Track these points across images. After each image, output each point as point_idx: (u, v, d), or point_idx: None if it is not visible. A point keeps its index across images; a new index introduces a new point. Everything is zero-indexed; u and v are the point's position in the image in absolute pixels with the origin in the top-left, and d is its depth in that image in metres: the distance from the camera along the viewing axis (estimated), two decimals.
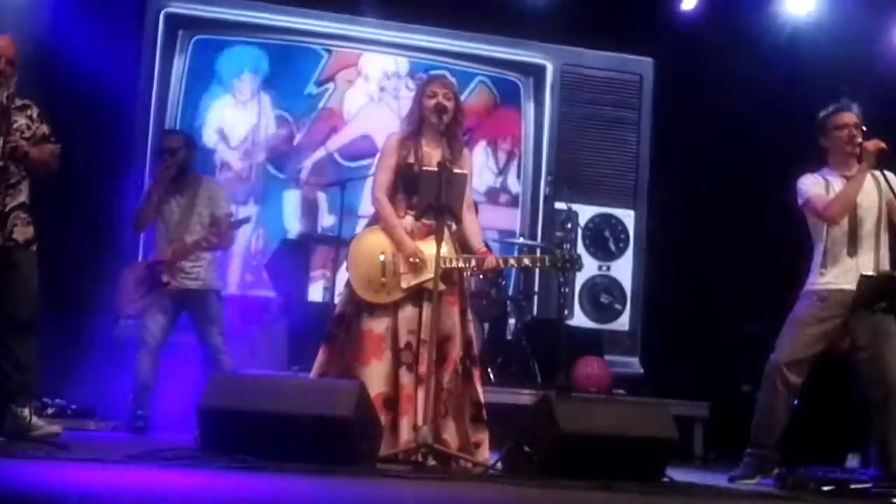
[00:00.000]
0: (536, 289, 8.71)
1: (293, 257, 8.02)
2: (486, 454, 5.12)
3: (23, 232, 5.16)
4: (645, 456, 4.67)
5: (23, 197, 5.19)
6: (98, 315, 6.64)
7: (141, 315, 6.58)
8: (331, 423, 4.45)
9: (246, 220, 7.17)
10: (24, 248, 5.17)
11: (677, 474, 4.90)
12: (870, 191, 5.48)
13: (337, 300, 7.24)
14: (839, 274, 5.46)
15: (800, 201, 5.56)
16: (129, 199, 7.15)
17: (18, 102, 5.17)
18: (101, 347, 6.57)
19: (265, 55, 8.68)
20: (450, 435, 5.13)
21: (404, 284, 5.15)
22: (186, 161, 6.73)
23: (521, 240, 8.57)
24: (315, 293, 8.35)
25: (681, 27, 8.81)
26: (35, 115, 5.26)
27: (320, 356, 5.26)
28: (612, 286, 9.00)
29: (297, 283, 7.99)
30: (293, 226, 8.64)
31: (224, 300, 6.93)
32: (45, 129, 5.28)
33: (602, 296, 8.95)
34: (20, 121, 5.16)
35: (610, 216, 9.10)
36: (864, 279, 5.29)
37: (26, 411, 5.11)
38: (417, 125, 5.34)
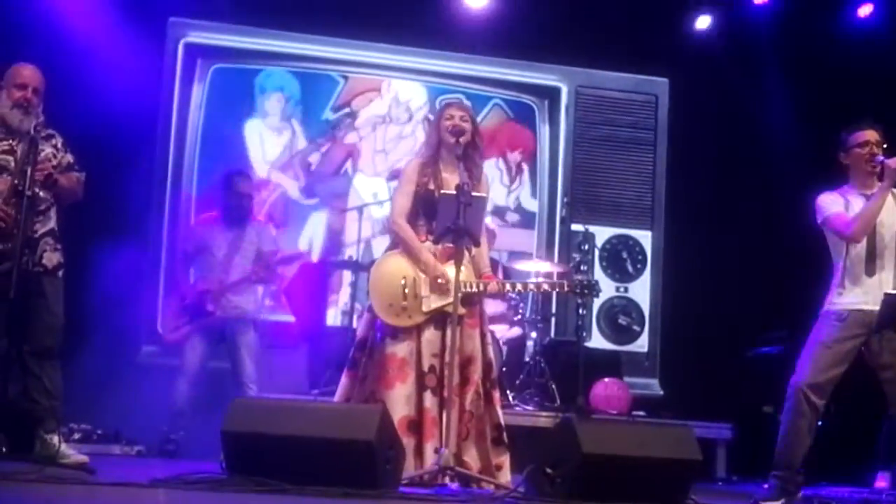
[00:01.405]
0: (554, 311, 8.71)
1: (313, 282, 8.06)
2: (507, 476, 5.12)
3: (51, 258, 5.22)
4: (669, 477, 4.65)
5: (52, 224, 5.26)
6: (122, 341, 6.68)
7: (181, 342, 6.71)
8: (353, 447, 4.46)
9: (297, 257, 7.34)
10: (52, 275, 5.22)
11: (701, 497, 4.89)
12: (890, 209, 5.46)
13: (357, 325, 7.33)
14: (859, 293, 5.42)
15: (819, 219, 5.53)
16: (150, 224, 7.21)
17: (44, 132, 5.23)
18: (125, 373, 6.60)
19: (286, 83, 8.75)
20: (471, 457, 5.15)
21: (426, 308, 5.16)
22: (248, 206, 6.95)
23: (536, 262, 8.57)
24: (334, 317, 8.38)
25: (695, 47, 8.84)
26: (60, 144, 5.33)
27: (343, 381, 5.28)
28: (630, 307, 8.99)
29: (317, 308, 8.02)
30: (311, 251, 8.67)
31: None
32: (69, 157, 5.35)
33: (620, 317, 8.95)
34: (47, 149, 5.22)
35: (627, 237, 9.11)
36: (888, 298, 5.26)
37: (55, 438, 5.15)
38: (435, 149, 5.37)
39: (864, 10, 8.46)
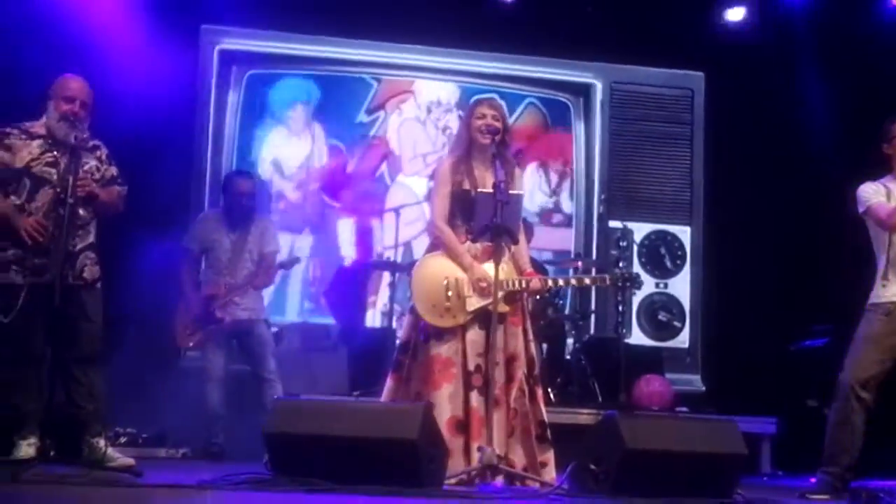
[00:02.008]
0: (594, 308, 8.69)
1: (351, 284, 8.09)
2: (552, 473, 5.12)
3: (91, 271, 5.27)
4: (714, 472, 4.63)
5: (91, 238, 5.30)
6: (164, 344, 6.72)
7: (200, 347, 6.73)
8: (396, 446, 4.47)
9: (296, 261, 7.29)
10: (92, 287, 5.28)
11: (747, 491, 4.86)
12: None
13: (396, 325, 7.35)
14: None
15: (860, 209, 5.48)
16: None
17: (89, 144, 5.28)
18: (169, 376, 6.64)
19: (316, 86, 8.78)
20: (517, 455, 5.14)
21: (469, 307, 5.16)
22: (250, 204, 6.92)
23: (576, 259, 8.55)
24: (373, 319, 8.40)
25: (730, 39, 8.78)
26: (104, 156, 5.37)
27: (389, 383, 5.28)
28: (671, 303, 8.95)
29: (356, 310, 8.05)
30: (349, 253, 8.70)
31: (285, 328, 7.01)
32: (113, 170, 5.39)
33: (660, 313, 8.90)
34: (91, 162, 5.26)
35: (666, 233, 9.06)
36: None
37: (101, 441, 5.20)
38: (467, 148, 5.35)
39: None
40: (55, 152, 5.17)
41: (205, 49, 8.38)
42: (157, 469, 5.27)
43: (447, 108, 9.04)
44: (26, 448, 5.05)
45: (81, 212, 5.16)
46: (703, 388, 8.70)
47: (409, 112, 9.03)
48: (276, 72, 8.69)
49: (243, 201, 6.87)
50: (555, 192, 9.19)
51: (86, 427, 5.21)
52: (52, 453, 5.17)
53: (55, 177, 5.13)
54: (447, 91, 9.05)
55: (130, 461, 5.22)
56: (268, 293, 7.37)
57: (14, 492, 4.23)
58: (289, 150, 8.76)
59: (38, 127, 5.23)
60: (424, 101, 9.05)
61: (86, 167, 5.19)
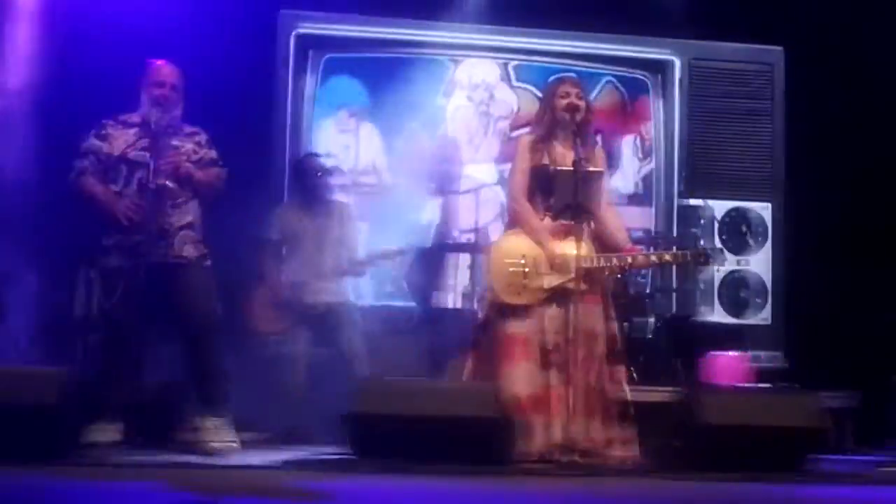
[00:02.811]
0: (675, 286, 8.62)
1: (430, 266, 8.10)
2: (634, 451, 5.12)
3: (192, 249, 5.40)
4: (794, 446, 4.60)
5: (190, 217, 5.44)
6: (245, 330, 6.81)
7: (285, 333, 6.80)
8: (475, 424, 4.51)
9: (398, 252, 7.29)
10: (196, 266, 5.40)
11: (828, 466, 4.82)
12: None
13: (477, 308, 7.36)
14: None
15: None
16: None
17: (188, 129, 5.46)
18: (253, 360, 6.73)
19: (389, 69, 8.78)
20: (596, 432, 5.15)
21: (546, 285, 5.18)
22: (327, 185, 6.95)
23: (656, 238, 8.49)
24: (454, 301, 8.41)
25: (809, 12, 8.63)
26: (203, 140, 5.54)
27: (469, 363, 5.33)
28: (752, 280, 8.83)
29: (436, 292, 8.07)
30: (428, 235, 8.69)
31: (364, 311, 7.08)
32: (212, 154, 5.56)
33: (742, 290, 8.80)
34: (187, 145, 5.42)
35: (746, 210, 8.94)
36: None
37: (211, 421, 5.32)
38: (549, 126, 5.37)
39: None
40: (149, 138, 5.32)
41: (282, 34, 8.43)
42: (241, 452, 5.36)
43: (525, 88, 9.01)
44: (106, 432, 5.19)
45: (170, 184, 5.29)
46: (787, 365, 8.59)
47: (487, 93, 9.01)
48: (354, 55, 8.71)
49: (320, 182, 6.92)
50: (640, 170, 9.12)
51: (198, 407, 5.36)
52: (137, 438, 5.31)
53: (148, 159, 5.29)
54: (525, 71, 9.00)
55: (235, 443, 5.32)
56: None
57: (95, 476, 4.35)
58: (364, 134, 8.78)
59: (135, 116, 5.40)
60: (501, 82, 9.01)
61: (182, 150, 5.34)
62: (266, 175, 8.14)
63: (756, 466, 4.35)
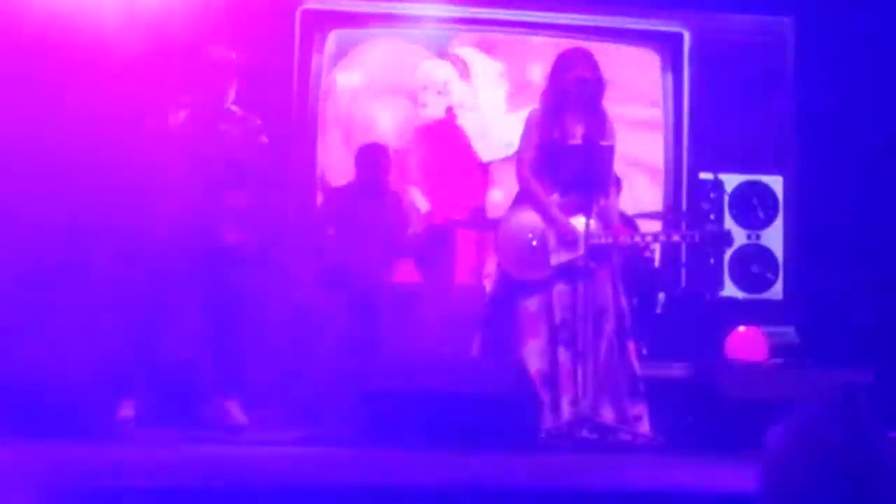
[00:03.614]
0: (685, 261, 8.57)
1: (439, 242, 8.07)
2: (646, 427, 5.09)
3: (237, 232, 5.39)
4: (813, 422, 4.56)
5: (236, 199, 5.40)
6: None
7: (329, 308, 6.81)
8: (491, 401, 4.49)
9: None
10: (240, 249, 5.40)
11: None
12: None
13: (486, 283, 7.34)
14: None
15: None
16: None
17: (239, 113, 5.44)
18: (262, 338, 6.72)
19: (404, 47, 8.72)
20: (606, 409, 5.11)
21: (554, 261, 5.14)
22: (385, 171, 7.00)
23: (666, 213, 8.44)
24: (463, 277, 8.38)
25: None
26: (253, 126, 5.52)
27: (477, 338, 5.29)
28: (763, 255, 8.78)
29: (445, 268, 8.04)
30: (437, 211, 8.66)
31: None
32: (263, 139, 5.52)
33: (753, 265, 8.75)
34: (235, 130, 5.41)
35: (757, 183, 8.86)
36: None
37: (229, 404, 5.34)
38: (557, 100, 5.30)
39: None
40: (199, 120, 5.34)
41: (287, 10, 8.38)
42: (253, 428, 5.36)
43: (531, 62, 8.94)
44: (127, 408, 5.19)
45: (223, 173, 5.32)
46: (798, 340, 8.55)
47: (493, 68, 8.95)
48: (361, 30, 8.64)
49: (380, 174, 6.94)
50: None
51: (216, 390, 5.39)
52: (151, 414, 5.31)
53: (198, 141, 5.31)
54: (531, 44, 8.94)
55: (244, 420, 5.35)
56: None
57: (110, 452, 4.34)
58: (377, 111, 8.73)
59: (187, 98, 5.39)
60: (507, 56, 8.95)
61: (231, 133, 5.37)
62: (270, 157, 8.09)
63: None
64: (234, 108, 5.59)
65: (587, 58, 5.32)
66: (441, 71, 8.69)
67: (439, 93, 8.68)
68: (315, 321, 6.87)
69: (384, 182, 7.01)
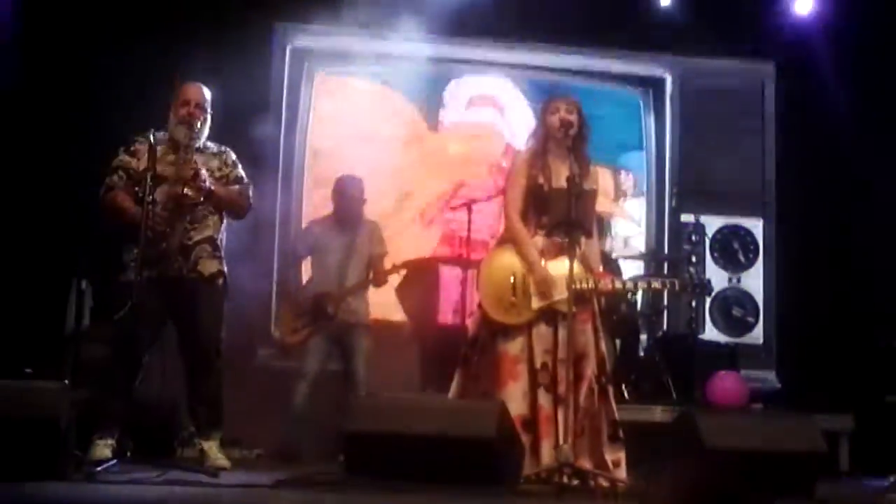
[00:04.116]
0: (666, 303, 8.60)
1: (422, 281, 8.07)
2: (623, 473, 5.08)
3: (207, 265, 5.41)
4: (794, 471, 4.57)
5: (209, 232, 5.48)
6: (238, 345, 6.76)
7: (300, 346, 6.80)
8: (473, 444, 4.47)
9: (423, 261, 7.37)
10: (210, 282, 5.41)
11: (826, 490, 4.79)
12: None
13: (468, 322, 7.33)
14: None
15: None
16: (262, 228, 7.32)
17: (214, 148, 5.57)
18: (242, 377, 6.67)
19: (392, 81, 8.77)
20: (584, 454, 5.09)
21: (535, 305, 5.13)
22: (362, 207, 7.02)
23: (648, 255, 8.47)
24: (445, 316, 8.39)
25: (799, 31, 8.68)
26: (230, 160, 5.63)
27: (456, 379, 5.28)
28: (744, 298, 8.84)
29: (427, 307, 8.04)
30: (421, 249, 8.67)
31: None
32: (238, 172, 5.64)
33: (734, 308, 8.80)
34: (211, 163, 5.50)
35: (738, 227, 8.94)
36: None
37: (208, 444, 5.34)
38: (543, 143, 5.34)
39: None
40: (175, 155, 5.36)
41: (278, 48, 8.43)
42: (232, 470, 5.32)
43: (516, 103, 9.00)
44: (102, 448, 5.15)
45: (196, 205, 5.33)
46: (779, 385, 8.58)
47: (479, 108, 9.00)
48: (350, 69, 8.68)
49: (355, 206, 6.96)
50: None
51: (197, 430, 5.38)
52: (128, 453, 5.27)
53: (172, 174, 5.32)
54: (517, 85, 9.00)
55: (226, 463, 5.32)
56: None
57: (87, 491, 4.31)
58: (363, 147, 8.76)
59: (163, 134, 5.43)
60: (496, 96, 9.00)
61: (206, 166, 5.42)
62: (260, 187, 8.10)
63: (756, 492, 4.31)
64: (209, 143, 5.62)
65: (571, 103, 5.36)
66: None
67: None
68: (294, 356, 6.86)
69: (359, 213, 7.01)
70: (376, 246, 6.98)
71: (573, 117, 5.28)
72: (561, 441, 4.87)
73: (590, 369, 5.16)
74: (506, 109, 9.00)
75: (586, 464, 5.06)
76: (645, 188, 9.08)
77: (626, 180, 9.07)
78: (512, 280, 5.16)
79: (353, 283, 6.82)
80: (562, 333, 5.03)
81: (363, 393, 6.60)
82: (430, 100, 8.86)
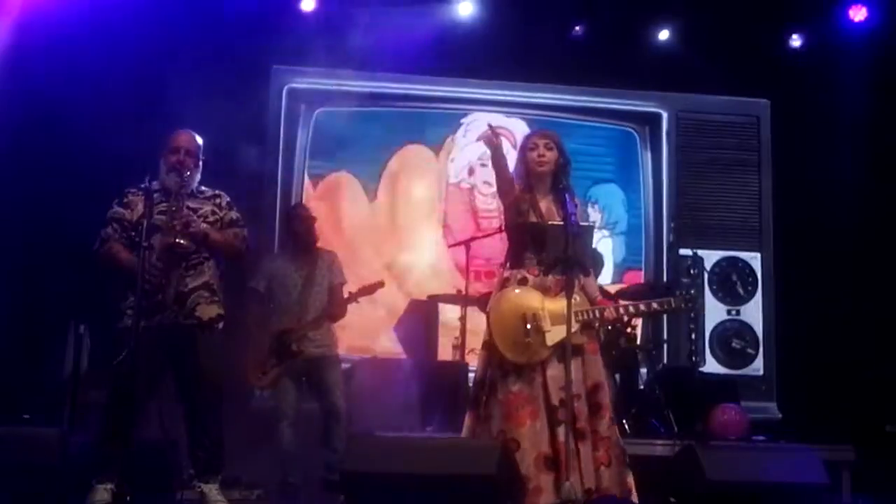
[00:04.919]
0: (666, 337, 8.61)
1: (421, 318, 8.07)
2: (636, 497, 5.03)
3: (205, 310, 5.41)
4: (797, 503, 4.57)
5: (206, 277, 5.47)
6: (236, 385, 6.75)
7: (273, 386, 6.72)
8: (474, 483, 4.46)
9: (378, 286, 7.09)
10: (208, 327, 5.41)
11: None
12: None
13: (469, 359, 7.31)
14: None
15: None
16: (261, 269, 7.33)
17: (208, 192, 5.51)
18: (241, 417, 6.66)
19: (389, 122, 8.83)
20: (611, 483, 5.02)
21: (549, 342, 5.06)
22: (314, 234, 6.95)
23: (646, 286, 8.48)
24: (445, 353, 8.37)
25: (794, 65, 8.78)
26: (224, 203, 5.62)
27: (467, 421, 5.17)
28: (744, 330, 8.85)
29: (427, 344, 8.03)
30: (420, 286, 8.69)
31: (356, 364, 7.02)
32: (233, 215, 5.63)
33: (734, 341, 8.81)
34: (205, 208, 5.49)
35: (736, 259, 8.99)
36: None
37: (206, 487, 5.33)
38: (526, 180, 5.31)
39: None
40: (167, 203, 5.37)
41: (275, 88, 8.50)
42: None
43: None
44: (102, 492, 5.14)
45: (182, 242, 5.33)
46: (780, 416, 8.57)
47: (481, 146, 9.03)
48: (346, 109, 8.73)
49: (309, 228, 6.90)
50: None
51: (198, 474, 5.36)
52: (128, 497, 5.24)
53: (166, 223, 5.33)
54: (512, 124, 9.05)
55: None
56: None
57: None
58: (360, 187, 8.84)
59: (155, 184, 5.44)
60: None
61: (199, 211, 5.41)
62: (257, 228, 8.13)
63: None
64: (203, 188, 5.64)
65: (548, 137, 5.33)
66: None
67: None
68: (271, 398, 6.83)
69: (314, 236, 6.96)
70: (336, 275, 6.89)
71: (550, 152, 5.26)
72: (580, 476, 4.82)
73: (607, 398, 5.12)
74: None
75: (613, 492, 4.99)
76: (642, 223, 9.12)
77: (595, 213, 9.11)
78: (524, 318, 5.11)
79: (313, 317, 6.73)
80: (574, 367, 4.98)
81: (345, 425, 6.55)
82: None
